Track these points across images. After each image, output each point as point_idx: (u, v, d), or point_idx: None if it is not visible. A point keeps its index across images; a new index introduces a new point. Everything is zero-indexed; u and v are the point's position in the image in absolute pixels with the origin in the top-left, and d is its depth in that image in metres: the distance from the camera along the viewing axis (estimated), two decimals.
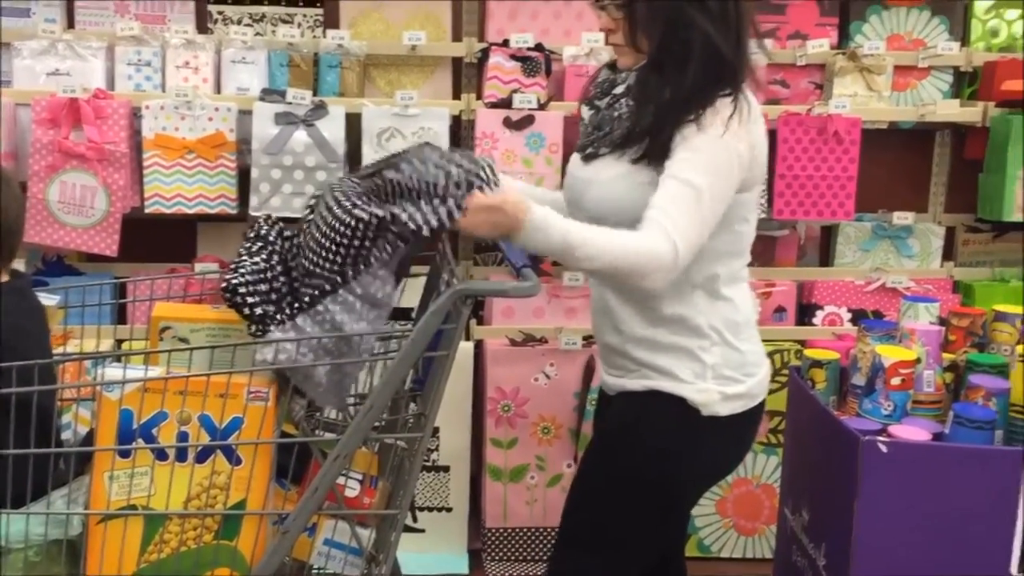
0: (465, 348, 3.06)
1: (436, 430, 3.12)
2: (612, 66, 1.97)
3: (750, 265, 3.19)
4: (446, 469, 3.16)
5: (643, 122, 1.79)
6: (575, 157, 1.98)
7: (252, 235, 1.85)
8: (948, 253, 3.42)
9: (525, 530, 3.19)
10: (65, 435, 2.27)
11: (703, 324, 1.86)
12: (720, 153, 1.74)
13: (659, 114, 1.77)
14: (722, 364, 1.87)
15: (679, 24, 1.75)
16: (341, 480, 1.77)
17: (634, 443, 1.90)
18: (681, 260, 1.71)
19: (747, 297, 1.96)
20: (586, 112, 1.98)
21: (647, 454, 1.88)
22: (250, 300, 1.64)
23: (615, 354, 1.96)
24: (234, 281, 1.65)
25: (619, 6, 1.82)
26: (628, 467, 1.89)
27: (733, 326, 1.89)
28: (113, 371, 1.64)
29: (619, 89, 1.89)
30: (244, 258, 1.76)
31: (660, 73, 1.79)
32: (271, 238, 1.84)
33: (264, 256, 1.78)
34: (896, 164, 3.44)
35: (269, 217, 1.89)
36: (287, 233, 1.91)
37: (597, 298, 1.99)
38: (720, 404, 1.87)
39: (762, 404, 1.97)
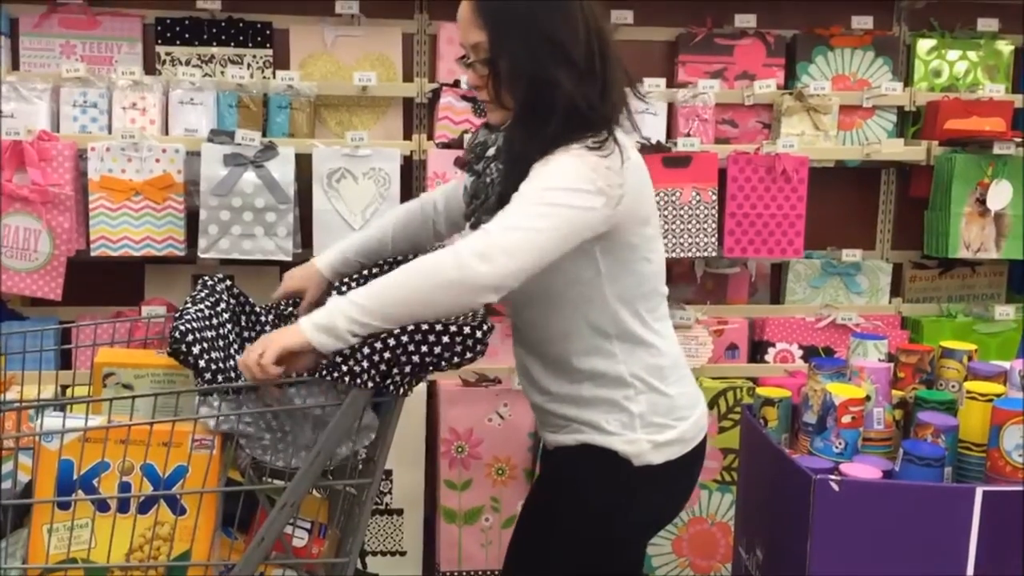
0: (418, 389, 3.00)
1: (389, 473, 3.08)
2: (488, 125, 1.91)
3: (702, 303, 3.21)
4: (399, 512, 3.12)
5: (515, 183, 1.70)
6: (467, 228, 1.91)
7: (199, 286, 1.84)
8: (896, 289, 3.46)
9: (480, 573, 3.15)
10: (6, 484, 2.22)
11: (624, 373, 1.81)
12: (567, 164, 1.67)
13: (527, 171, 1.69)
14: (650, 412, 1.82)
15: (542, 82, 1.70)
16: (289, 529, 1.74)
17: (570, 501, 1.86)
18: (495, 238, 1.60)
19: (671, 339, 1.90)
20: (467, 179, 1.92)
21: (583, 511, 1.84)
22: (195, 349, 1.60)
23: (544, 412, 1.91)
24: (181, 327, 1.62)
25: (484, 62, 1.76)
26: (567, 526, 1.85)
27: (657, 371, 1.84)
28: (52, 420, 1.60)
29: (491, 152, 1.84)
30: (188, 305, 1.73)
31: (525, 129, 1.73)
32: (218, 288, 1.83)
33: (209, 303, 1.76)
34: (843, 202, 3.48)
35: (221, 278, 1.89)
36: (236, 290, 1.90)
37: (518, 361, 1.95)
38: (652, 453, 1.82)
39: (700, 446, 1.92)
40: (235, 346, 1.78)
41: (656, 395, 1.83)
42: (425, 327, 1.57)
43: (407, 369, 1.59)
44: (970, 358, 2.23)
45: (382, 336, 1.57)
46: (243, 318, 1.92)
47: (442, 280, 1.58)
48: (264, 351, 1.58)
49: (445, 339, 1.59)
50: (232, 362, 1.73)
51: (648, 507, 1.88)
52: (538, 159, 1.69)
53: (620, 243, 1.76)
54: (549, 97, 1.70)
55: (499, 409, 3.09)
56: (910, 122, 3.38)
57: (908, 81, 3.41)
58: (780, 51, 3.34)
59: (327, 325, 1.58)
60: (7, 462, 2.50)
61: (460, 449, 3.09)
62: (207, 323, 1.68)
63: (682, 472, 1.90)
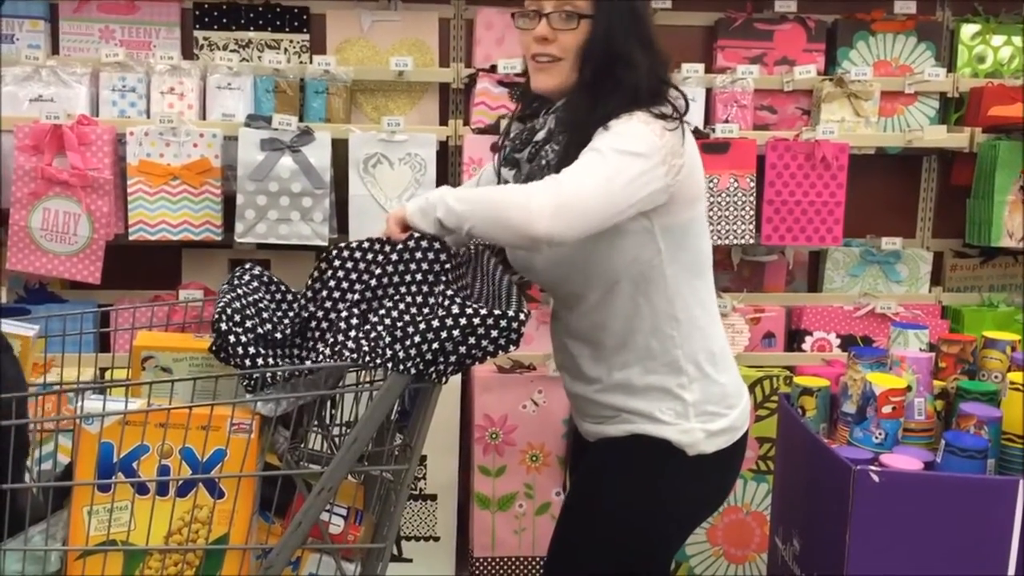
0: (453, 376, 3.04)
1: (423, 459, 3.09)
2: (521, 118, 1.89)
3: (739, 291, 3.18)
4: (433, 498, 3.13)
5: (576, 150, 1.67)
6: None
7: (233, 272, 1.84)
8: (936, 278, 3.42)
9: (514, 559, 3.15)
10: (46, 466, 2.24)
11: (680, 357, 1.80)
12: (634, 129, 1.67)
13: (588, 138, 1.69)
14: (703, 400, 1.81)
15: (620, 57, 1.71)
16: (325, 516, 1.74)
17: (619, 493, 1.83)
18: (567, 193, 1.59)
19: (719, 325, 1.90)
20: (507, 172, 1.88)
21: (634, 502, 1.81)
22: (239, 350, 1.60)
23: (589, 403, 1.88)
24: (218, 311, 1.63)
25: (576, 17, 1.72)
26: (614, 518, 1.82)
27: (710, 357, 1.83)
28: (92, 403, 1.61)
29: (540, 136, 1.80)
30: (223, 292, 1.74)
31: (592, 97, 1.72)
32: (244, 276, 1.83)
33: (234, 285, 1.76)
34: (884, 189, 3.44)
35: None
36: (266, 273, 1.90)
37: (563, 352, 1.93)
38: (705, 442, 1.80)
39: (746, 434, 1.91)
40: (267, 314, 1.78)
41: (708, 382, 1.82)
42: (470, 311, 1.56)
43: (452, 359, 1.58)
44: (1013, 348, 2.20)
45: (434, 325, 1.56)
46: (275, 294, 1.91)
47: (508, 220, 1.60)
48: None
49: (494, 333, 1.57)
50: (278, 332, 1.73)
51: (698, 498, 1.87)
52: (599, 127, 1.68)
53: (678, 218, 1.75)
54: (622, 72, 1.70)
55: (533, 396, 3.08)
56: (953, 108, 3.33)
57: (951, 67, 3.35)
58: (820, 36, 3.30)
59: (425, 208, 1.68)
60: (47, 444, 2.53)
61: (494, 436, 3.09)
62: (235, 295, 1.69)
63: (730, 461, 1.89)
